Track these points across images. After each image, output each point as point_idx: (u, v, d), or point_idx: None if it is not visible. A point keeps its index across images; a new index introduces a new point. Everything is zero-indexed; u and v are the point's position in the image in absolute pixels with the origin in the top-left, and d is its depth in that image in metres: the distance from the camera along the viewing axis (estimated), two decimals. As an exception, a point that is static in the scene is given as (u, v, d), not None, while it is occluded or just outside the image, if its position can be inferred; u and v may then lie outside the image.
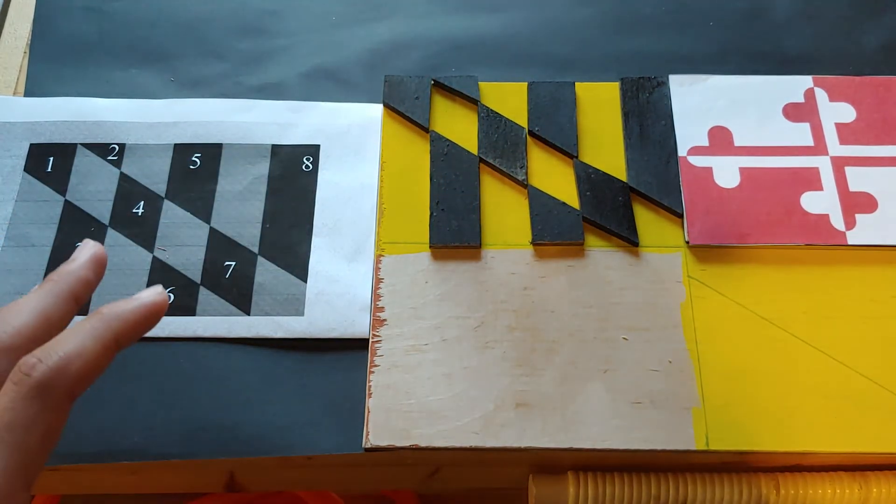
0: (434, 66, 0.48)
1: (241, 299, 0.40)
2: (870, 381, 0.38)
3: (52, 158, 0.44)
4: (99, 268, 0.29)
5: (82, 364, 0.24)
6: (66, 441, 0.37)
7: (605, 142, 0.45)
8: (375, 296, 0.40)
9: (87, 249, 0.29)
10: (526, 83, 0.46)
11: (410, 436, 0.37)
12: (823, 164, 0.44)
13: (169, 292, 0.41)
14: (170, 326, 0.40)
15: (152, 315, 0.27)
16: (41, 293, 0.27)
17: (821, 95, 0.46)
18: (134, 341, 0.27)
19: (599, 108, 0.46)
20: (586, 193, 0.43)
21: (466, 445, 0.37)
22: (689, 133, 0.45)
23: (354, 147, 0.45)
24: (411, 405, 0.38)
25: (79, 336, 0.25)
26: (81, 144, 0.44)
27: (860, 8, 0.50)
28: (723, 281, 0.41)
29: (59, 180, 0.43)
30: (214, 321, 0.40)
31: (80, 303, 0.28)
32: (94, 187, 0.43)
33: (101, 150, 0.44)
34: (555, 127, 0.45)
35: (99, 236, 0.42)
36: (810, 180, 0.43)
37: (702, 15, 0.49)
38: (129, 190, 0.43)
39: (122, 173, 0.44)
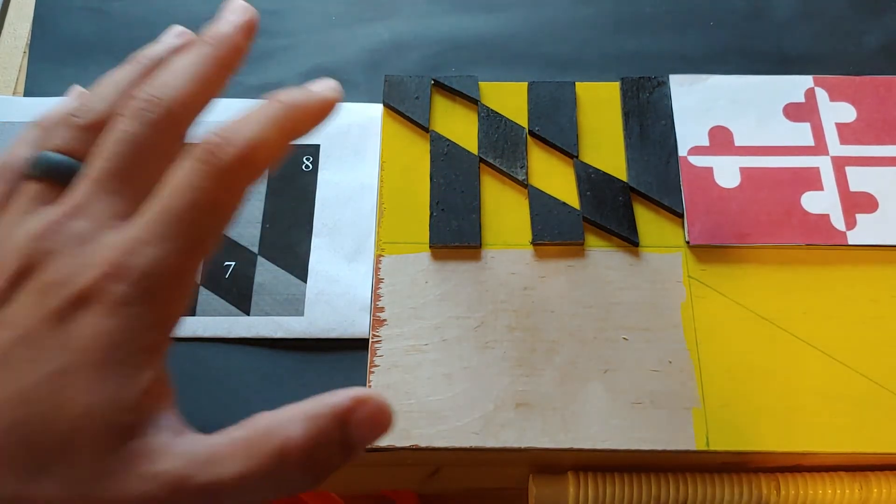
0: (434, 66, 0.48)
1: (241, 299, 0.40)
2: (870, 381, 0.38)
3: (51, 158, 0.44)
4: (250, 35, 0.26)
5: (266, 153, 0.23)
6: (66, 441, 0.37)
7: (605, 142, 0.45)
8: (375, 296, 0.40)
9: (238, 12, 0.27)
10: (526, 83, 0.46)
11: (410, 436, 0.37)
12: (824, 164, 0.44)
13: (169, 292, 0.41)
14: (170, 326, 0.40)
15: (327, 109, 0.25)
16: (197, 57, 0.25)
17: (821, 95, 0.46)
18: (306, 134, 0.25)
19: (599, 107, 0.46)
20: (586, 193, 0.43)
21: (466, 445, 0.37)
22: (689, 133, 0.45)
23: (354, 147, 0.45)
24: (411, 405, 0.38)
25: (261, 122, 0.23)
26: (81, 144, 0.44)
27: (860, 8, 0.50)
28: (723, 281, 0.41)
29: (58, 180, 0.43)
30: (214, 321, 0.40)
31: (232, 74, 0.26)
32: (94, 187, 0.43)
33: (101, 149, 0.44)
34: (555, 127, 0.45)
35: (99, 236, 0.42)
36: (811, 180, 0.43)
37: (702, 15, 0.49)
38: (128, 190, 0.43)
39: (121, 173, 0.44)
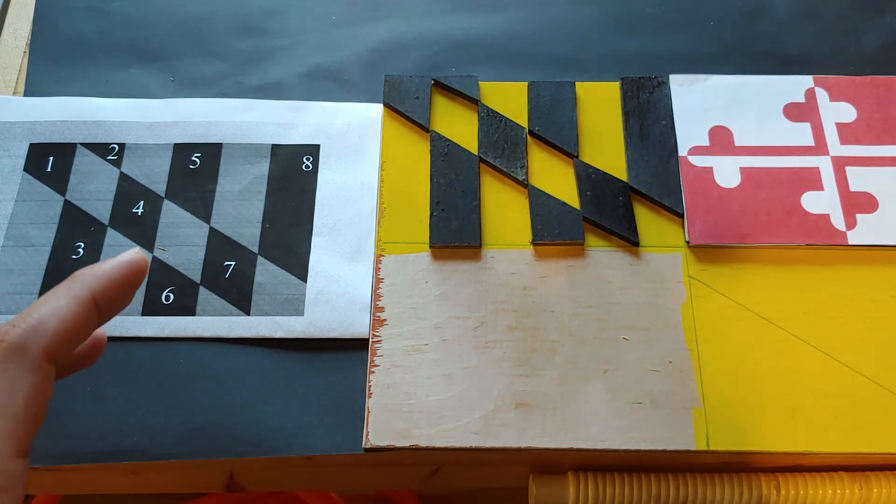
0: (434, 66, 0.48)
1: (241, 299, 0.40)
2: (870, 381, 0.38)
3: (51, 158, 0.44)
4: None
5: (57, 322, 0.24)
6: (66, 441, 0.37)
7: (605, 142, 0.45)
8: (375, 296, 0.40)
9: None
10: (526, 83, 0.46)
11: (410, 436, 0.37)
12: (824, 164, 0.44)
13: (168, 292, 0.41)
14: (170, 326, 0.40)
15: (130, 274, 0.27)
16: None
17: (821, 95, 0.46)
18: (115, 301, 0.26)
19: (600, 107, 0.46)
20: (586, 193, 0.43)
21: (466, 445, 0.37)
22: (689, 133, 0.45)
23: (354, 147, 0.45)
24: (411, 405, 0.38)
25: (52, 297, 0.25)
26: (81, 144, 0.44)
27: (860, 8, 0.50)
28: (723, 281, 0.41)
29: (58, 180, 0.43)
30: (214, 321, 0.40)
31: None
32: (94, 187, 0.43)
33: (101, 149, 0.44)
34: (555, 127, 0.45)
35: (99, 236, 0.42)
36: (811, 180, 0.43)
37: (702, 15, 0.49)
38: (128, 190, 0.43)
39: (121, 173, 0.44)
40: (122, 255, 0.27)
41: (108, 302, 0.26)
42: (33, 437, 0.23)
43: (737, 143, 0.44)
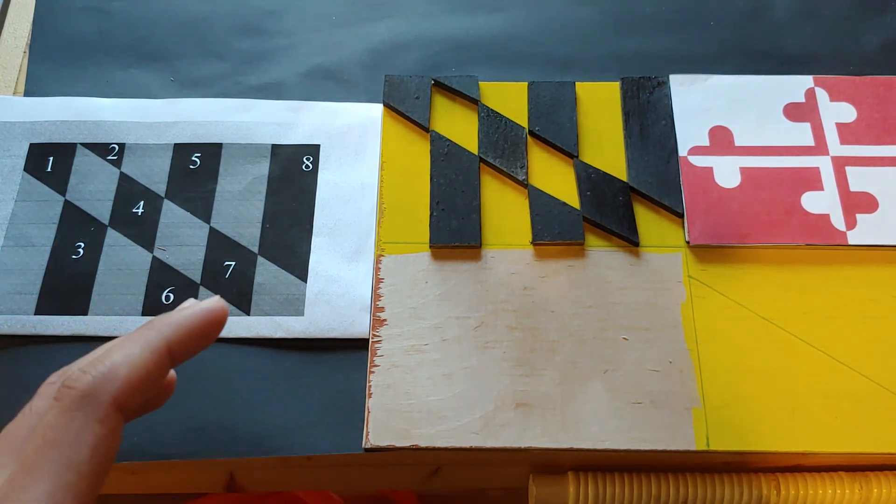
0: (434, 66, 0.48)
1: (241, 299, 0.40)
2: (870, 381, 0.38)
3: (51, 158, 0.44)
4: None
5: (129, 371, 0.23)
6: (66, 441, 0.37)
7: (605, 142, 0.45)
8: (375, 296, 0.40)
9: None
10: (526, 83, 0.46)
11: (410, 436, 0.37)
12: (824, 164, 0.44)
13: (168, 292, 0.41)
14: (170, 326, 0.40)
15: (209, 324, 0.26)
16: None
17: (821, 95, 0.46)
18: (190, 350, 0.26)
19: (600, 107, 0.46)
20: (586, 193, 0.43)
21: (466, 445, 0.37)
22: (689, 133, 0.45)
23: (354, 147, 0.45)
24: (411, 405, 0.38)
25: (126, 343, 0.24)
26: (81, 144, 0.44)
27: (860, 8, 0.50)
28: (723, 281, 0.41)
29: (58, 180, 0.43)
30: (214, 321, 0.40)
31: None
32: (94, 187, 0.43)
33: (101, 149, 0.44)
34: (555, 127, 0.45)
35: (99, 236, 0.42)
36: (811, 180, 0.43)
37: (702, 15, 0.49)
38: (128, 190, 0.43)
39: (121, 173, 0.44)
40: (202, 302, 0.26)
41: (182, 351, 0.25)
42: (98, 492, 0.22)
43: (737, 143, 0.44)
